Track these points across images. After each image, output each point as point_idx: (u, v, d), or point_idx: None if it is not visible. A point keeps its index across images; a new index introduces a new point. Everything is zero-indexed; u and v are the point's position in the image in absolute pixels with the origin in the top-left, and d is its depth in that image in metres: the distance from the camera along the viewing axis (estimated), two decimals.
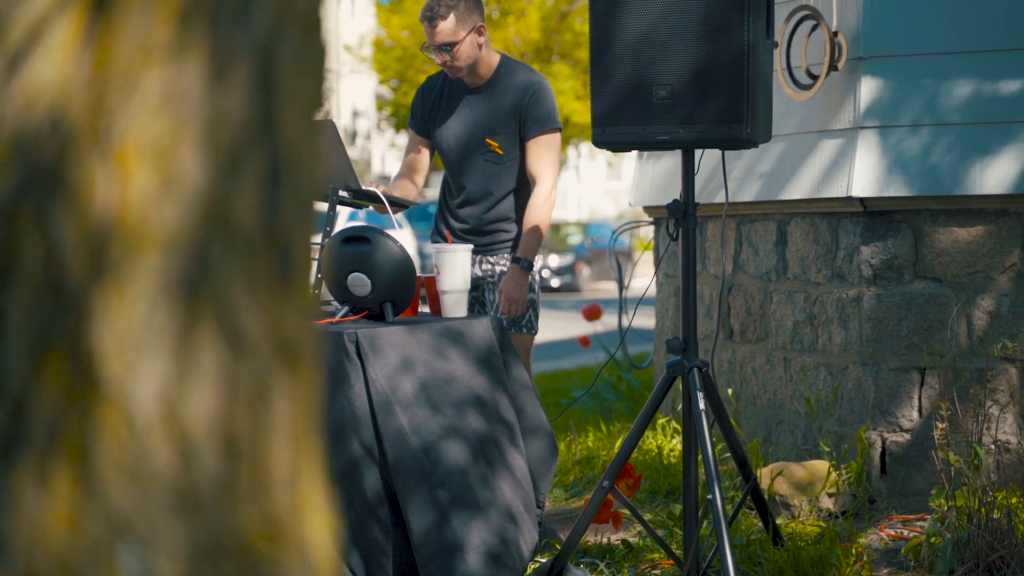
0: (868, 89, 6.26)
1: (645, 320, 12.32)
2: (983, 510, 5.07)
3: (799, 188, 6.54)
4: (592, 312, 10.52)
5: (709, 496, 5.00)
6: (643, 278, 17.65)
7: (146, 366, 1.24)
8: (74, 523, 1.22)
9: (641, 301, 5.91)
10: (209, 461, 1.26)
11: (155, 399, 1.24)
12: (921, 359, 6.24)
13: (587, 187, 62.35)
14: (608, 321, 12.82)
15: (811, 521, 6.05)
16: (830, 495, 6.15)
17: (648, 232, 19.45)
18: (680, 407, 7.36)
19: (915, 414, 6.25)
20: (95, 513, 1.22)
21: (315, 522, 1.36)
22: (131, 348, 1.23)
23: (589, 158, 52.48)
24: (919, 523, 6.01)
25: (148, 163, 1.23)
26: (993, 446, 6.04)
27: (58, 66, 1.20)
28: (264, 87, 1.27)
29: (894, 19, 6.28)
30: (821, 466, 6.23)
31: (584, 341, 10.85)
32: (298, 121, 1.30)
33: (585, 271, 30.80)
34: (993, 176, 6.10)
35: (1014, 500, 5.32)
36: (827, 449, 6.38)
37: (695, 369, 5.15)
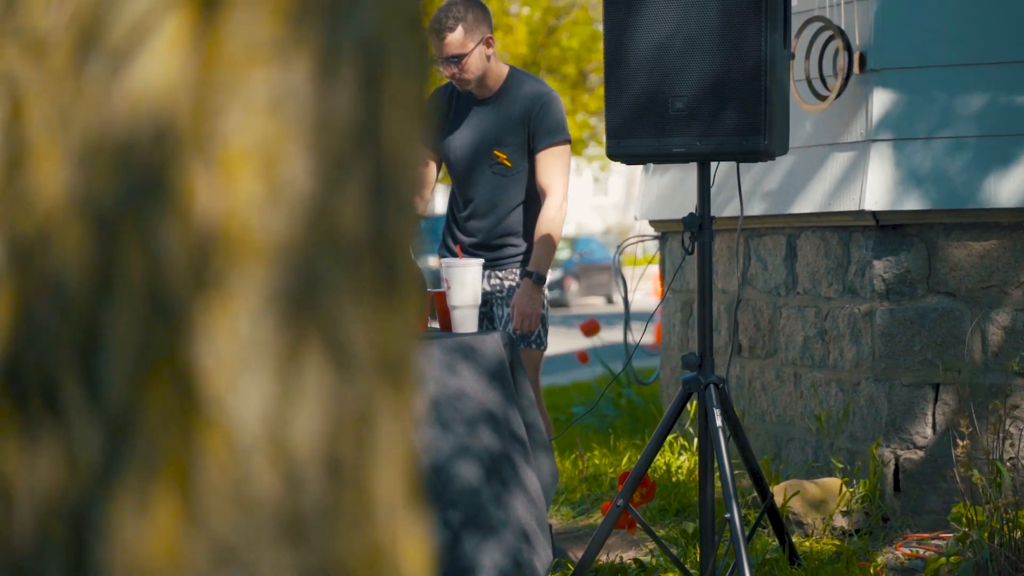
0: (880, 101, 6.21)
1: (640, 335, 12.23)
2: (1006, 528, 5.01)
3: (809, 202, 6.48)
4: (590, 327, 10.46)
5: (727, 514, 4.92)
6: (637, 293, 17.54)
7: (250, 385, 1.16)
8: (176, 553, 1.14)
9: (651, 318, 5.82)
10: (314, 486, 1.19)
11: (259, 420, 1.16)
12: (935, 375, 6.17)
13: (574, 202, 62.39)
14: (602, 335, 12.74)
15: (826, 540, 5.98)
16: (844, 513, 6.08)
17: (643, 247, 19.43)
18: (688, 424, 7.29)
19: (929, 431, 6.19)
20: (198, 542, 1.15)
21: (414, 550, 1.28)
22: (234, 366, 1.16)
23: (575, 173, 52.49)
24: (934, 542, 5.95)
25: (253, 169, 1.15)
26: (1010, 463, 5.97)
27: (162, 67, 1.12)
28: (370, 88, 1.20)
29: (906, 31, 6.22)
30: (834, 484, 6.16)
31: (583, 356, 10.77)
32: (402, 125, 1.23)
33: (573, 286, 30.75)
34: (1008, 189, 6.05)
35: None
36: (839, 466, 6.31)
37: (712, 385, 5.08)
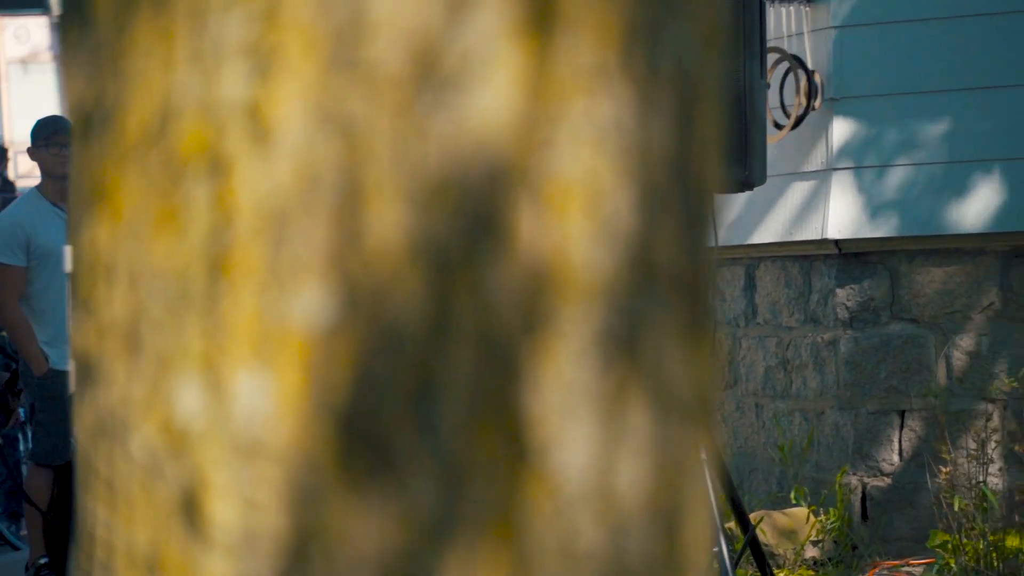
0: (841, 130, 6.22)
1: None
2: (993, 554, 5.00)
3: (770, 231, 6.47)
4: None
5: (714, 548, 4.88)
6: None
7: (575, 432, 1.09)
8: None
9: None
10: (639, 539, 1.12)
11: (584, 470, 1.09)
12: (901, 401, 6.18)
13: None
14: None
15: (800, 570, 5.96)
16: (814, 543, 6.06)
17: None
18: None
19: (896, 457, 6.20)
20: None
21: None
22: (560, 411, 1.09)
23: None
24: (905, 569, 5.94)
25: (580, 204, 1.08)
26: (975, 488, 5.98)
27: (496, 98, 1.05)
28: (684, 115, 1.14)
29: (865, 60, 6.25)
30: (802, 513, 6.15)
31: None
32: (710, 153, 1.17)
33: None
34: (969, 215, 6.08)
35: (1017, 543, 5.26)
36: (805, 495, 6.29)
37: None
